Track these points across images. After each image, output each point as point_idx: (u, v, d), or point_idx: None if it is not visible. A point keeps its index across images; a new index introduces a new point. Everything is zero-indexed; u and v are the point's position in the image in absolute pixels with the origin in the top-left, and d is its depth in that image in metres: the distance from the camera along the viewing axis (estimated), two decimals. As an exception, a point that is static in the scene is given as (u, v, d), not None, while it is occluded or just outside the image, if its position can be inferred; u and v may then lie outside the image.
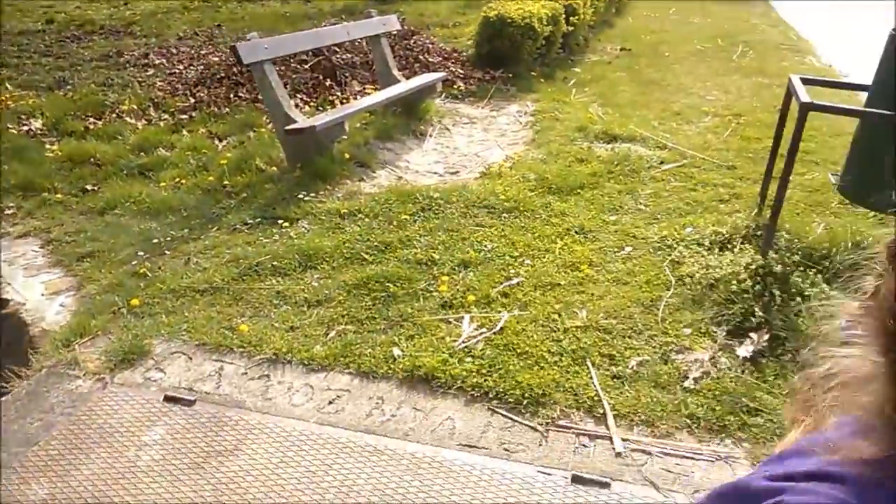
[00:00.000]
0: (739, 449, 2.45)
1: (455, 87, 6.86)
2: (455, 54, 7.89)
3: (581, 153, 5.12)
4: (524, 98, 6.72)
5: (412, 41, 7.99)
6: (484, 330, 3.01)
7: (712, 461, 2.39)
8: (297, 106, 6.00)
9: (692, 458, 2.40)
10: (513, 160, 5.00)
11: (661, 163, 5.00)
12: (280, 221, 4.04)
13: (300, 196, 4.34)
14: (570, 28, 8.31)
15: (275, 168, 4.80)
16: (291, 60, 7.07)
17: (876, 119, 3.18)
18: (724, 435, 2.51)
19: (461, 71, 7.32)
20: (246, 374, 2.81)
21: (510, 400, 2.61)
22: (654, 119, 6.12)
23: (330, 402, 2.63)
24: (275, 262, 3.57)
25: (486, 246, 3.72)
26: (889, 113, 3.05)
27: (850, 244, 3.56)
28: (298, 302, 3.24)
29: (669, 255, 3.65)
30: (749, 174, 4.72)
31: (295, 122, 4.69)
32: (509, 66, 7.36)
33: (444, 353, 2.83)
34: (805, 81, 3.54)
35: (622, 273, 3.52)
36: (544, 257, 3.64)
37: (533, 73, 7.45)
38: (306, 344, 2.93)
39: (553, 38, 7.88)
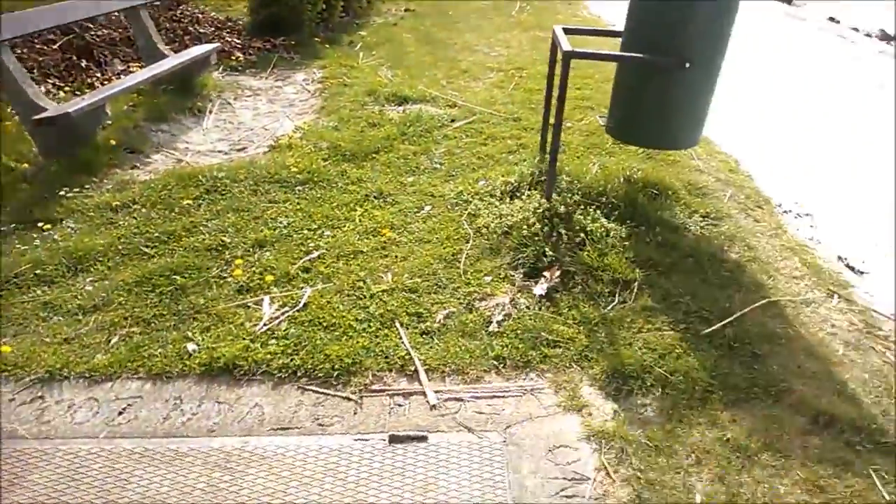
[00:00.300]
0: (543, 380, 2.67)
1: (233, 58, 6.54)
2: (230, 23, 7.51)
3: (373, 117, 5.16)
4: (310, 65, 6.60)
5: (178, 12, 7.45)
6: (287, 309, 2.96)
7: (520, 395, 2.59)
8: (48, 92, 5.36)
9: (502, 397, 2.58)
10: (303, 130, 4.91)
11: (452, 121, 5.20)
12: (40, 224, 3.62)
13: (62, 193, 3.91)
14: (351, -10, 8.27)
15: (27, 165, 4.27)
16: (35, 41, 6.27)
17: (629, 62, 3.55)
18: (528, 370, 2.72)
19: (238, 41, 7.00)
20: (14, 399, 2.51)
21: (320, 375, 2.60)
22: (442, 78, 6.32)
23: (120, 413, 2.44)
24: (38, 271, 3.20)
25: (281, 222, 3.64)
26: (640, 56, 3.42)
27: (621, 179, 3.98)
28: (71, 311, 2.95)
29: (466, 209, 3.82)
30: (533, 125, 5.06)
31: (45, 110, 4.20)
32: (291, 32, 7.17)
33: (244, 339, 2.75)
34: (567, 31, 3.84)
35: (423, 232, 3.63)
36: (344, 226, 3.64)
37: (317, 39, 7.33)
38: (85, 355, 2.68)
39: (334, 2, 7.79)
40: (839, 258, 3.79)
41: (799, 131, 5.75)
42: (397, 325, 2.89)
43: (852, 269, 3.73)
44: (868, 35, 9.84)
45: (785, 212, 4.28)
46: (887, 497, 2.23)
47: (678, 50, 3.29)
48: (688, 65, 3.29)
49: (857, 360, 2.88)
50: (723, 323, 2.94)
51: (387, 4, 9.75)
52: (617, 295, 3.13)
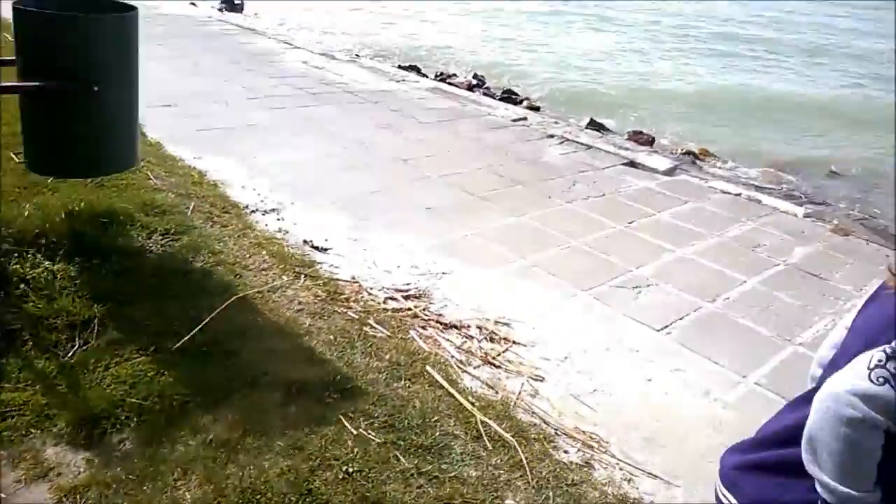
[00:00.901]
0: (-5, 462, 2.40)
1: None
2: None
3: None
4: None
5: None
6: None
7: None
8: None
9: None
10: None
11: None
12: None
13: None
14: None
15: None
16: None
17: (29, 93, 3.35)
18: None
19: None
20: None
21: None
22: None
23: None
24: None
25: None
26: (39, 84, 3.26)
27: (63, 215, 3.79)
28: None
29: None
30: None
31: None
32: None
33: None
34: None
35: None
36: None
37: None
38: None
39: None
40: (305, 242, 4.32)
41: (262, 138, 6.34)
42: None
43: (317, 248, 4.30)
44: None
45: (253, 211, 4.68)
46: (355, 432, 2.66)
47: (82, 74, 3.25)
48: (96, 88, 3.29)
49: (324, 326, 3.35)
50: (192, 333, 3.07)
51: None
52: (77, 338, 2.98)
